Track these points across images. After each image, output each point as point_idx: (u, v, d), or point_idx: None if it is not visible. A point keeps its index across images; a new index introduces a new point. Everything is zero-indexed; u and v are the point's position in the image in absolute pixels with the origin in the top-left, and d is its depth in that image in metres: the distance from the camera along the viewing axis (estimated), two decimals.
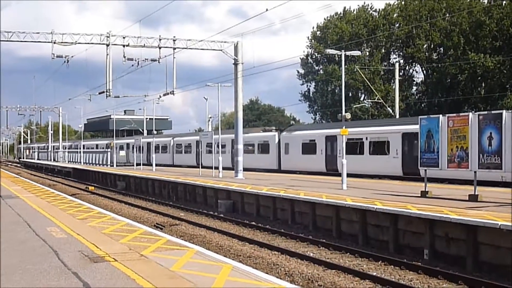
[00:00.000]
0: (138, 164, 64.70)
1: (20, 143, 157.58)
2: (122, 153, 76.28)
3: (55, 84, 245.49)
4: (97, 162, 74.59)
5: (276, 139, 52.53)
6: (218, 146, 48.18)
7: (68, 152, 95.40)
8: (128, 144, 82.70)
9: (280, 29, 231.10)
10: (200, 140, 56.07)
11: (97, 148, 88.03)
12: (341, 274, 16.40)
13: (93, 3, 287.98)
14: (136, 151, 69.70)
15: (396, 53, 78.56)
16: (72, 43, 40.64)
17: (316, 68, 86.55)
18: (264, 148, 54.40)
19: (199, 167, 52.04)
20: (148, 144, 71.87)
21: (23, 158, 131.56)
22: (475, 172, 22.18)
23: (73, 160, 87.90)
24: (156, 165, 60.18)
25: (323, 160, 46.31)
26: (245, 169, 42.53)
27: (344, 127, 30.76)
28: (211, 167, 46.67)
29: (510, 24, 62.37)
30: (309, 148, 48.20)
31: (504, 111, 21.09)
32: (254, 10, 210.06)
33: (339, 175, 32.08)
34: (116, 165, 69.50)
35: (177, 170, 56.50)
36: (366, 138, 42.17)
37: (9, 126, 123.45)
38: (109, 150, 73.67)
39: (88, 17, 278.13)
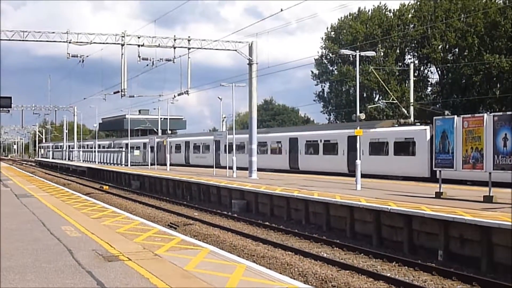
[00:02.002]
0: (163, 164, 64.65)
1: (35, 142, 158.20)
2: (137, 152, 76.38)
3: (71, 83, 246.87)
4: (111, 162, 74.76)
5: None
6: (232, 146, 48.23)
7: (83, 151, 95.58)
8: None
9: (296, 29, 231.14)
10: (219, 140, 55.87)
11: (130, 148, 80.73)
12: (355, 275, 16.38)
13: (109, 2, 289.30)
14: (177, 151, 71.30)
15: (411, 53, 78.27)
16: (87, 42, 40.77)
17: (331, 68, 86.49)
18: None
19: (221, 168, 51.76)
20: (187, 143, 71.05)
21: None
22: (489, 173, 22.07)
23: (88, 160, 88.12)
24: (175, 165, 60.08)
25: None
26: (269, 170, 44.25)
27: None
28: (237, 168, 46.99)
29: None
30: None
31: None
32: (270, 10, 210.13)
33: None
34: (131, 165, 69.69)
35: (192, 170, 56.51)
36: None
37: (24, 125, 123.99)
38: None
39: (104, 16, 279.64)
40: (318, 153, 47.33)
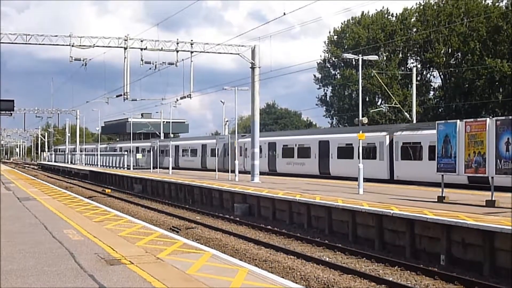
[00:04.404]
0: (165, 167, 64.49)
1: (38, 145, 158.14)
2: (139, 156, 76.39)
3: (73, 87, 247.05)
4: (113, 165, 74.80)
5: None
6: (235, 150, 48.37)
7: (86, 154, 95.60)
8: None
9: (300, 33, 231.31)
10: (226, 143, 55.72)
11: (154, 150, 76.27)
12: (357, 279, 16.37)
13: (113, 5, 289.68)
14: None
15: (414, 57, 78.27)
16: (90, 46, 40.84)
17: (333, 72, 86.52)
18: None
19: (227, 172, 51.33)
20: (204, 146, 67.83)
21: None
22: (492, 177, 22.05)
23: (90, 163, 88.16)
24: (185, 169, 59.65)
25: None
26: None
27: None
28: (247, 172, 47.07)
29: None
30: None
31: None
32: (273, 13, 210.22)
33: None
34: (133, 168, 69.75)
35: (195, 173, 56.52)
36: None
37: (26, 128, 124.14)
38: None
39: (108, 19, 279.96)
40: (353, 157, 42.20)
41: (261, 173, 47.49)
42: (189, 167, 68.25)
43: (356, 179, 32.36)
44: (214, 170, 48.70)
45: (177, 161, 71.60)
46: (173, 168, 62.31)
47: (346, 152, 44.08)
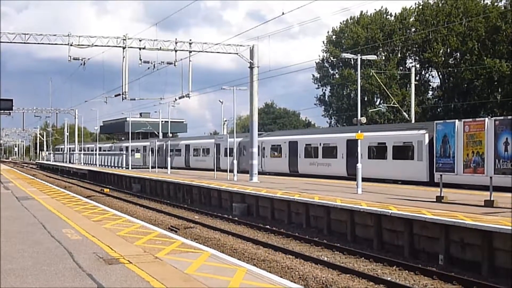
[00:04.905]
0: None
1: (36, 144, 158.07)
2: (138, 155, 76.29)
3: (72, 86, 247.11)
4: (112, 164, 74.74)
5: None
6: (233, 149, 48.25)
7: (84, 154, 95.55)
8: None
9: (299, 33, 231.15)
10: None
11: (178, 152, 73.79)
12: (355, 279, 16.37)
13: (112, 5, 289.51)
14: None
15: (412, 57, 78.34)
16: (88, 45, 40.84)
17: (332, 72, 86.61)
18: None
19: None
20: (218, 145, 61.30)
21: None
22: (490, 177, 22.04)
23: (89, 162, 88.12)
24: (196, 169, 58.72)
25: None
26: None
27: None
28: (266, 173, 46.63)
29: None
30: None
31: None
32: (272, 13, 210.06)
33: None
34: (132, 167, 69.70)
35: (193, 173, 56.51)
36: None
37: (25, 127, 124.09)
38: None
39: (107, 19, 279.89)
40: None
41: (281, 174, 48.21)
42: (201, 167, 64.60)
43: (389, 181, 31.74)
44: (228, 171, 45.76)
45: (188, 161, 69.94)
46: (183, 169, 61.89)
47: (378, 151, 41.38)
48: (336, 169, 45.01)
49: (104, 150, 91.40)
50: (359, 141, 31.58)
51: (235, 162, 44.81)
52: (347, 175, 42.67)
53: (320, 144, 47.63)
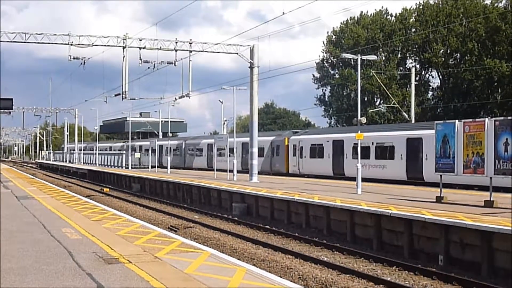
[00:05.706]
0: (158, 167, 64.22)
1: (36, 144, 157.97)
2: (137, 155, 76.28)
3: (72, 86, 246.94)
4: (112, 164, 74.75)
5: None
6: (232, 149, 48.12)
7: (84, 153, 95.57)
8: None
9: (299, 33, 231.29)
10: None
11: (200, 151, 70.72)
12: (355, 279, 16.36)
13: (112, 4, 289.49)
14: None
15: (412, 58, 78.36)
16: (88, 45, 40.83)
17: (332, 72, 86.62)
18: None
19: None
20: (245, 144, 55.48)
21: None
22: (490, 178, 22.03)
23: (88, 162, 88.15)
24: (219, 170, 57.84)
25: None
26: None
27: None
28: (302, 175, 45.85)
29: None
30: None
31: None
32: (272, 13, 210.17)
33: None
34: (131, 167, 69.70)
35: (192, 173, 56.49)
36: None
37: (25, 127, 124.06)
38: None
39: (107, 18, 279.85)
40: None
41: (324, 177, 44.20)
42: (225, 168, 54.24)
43: (461, 186, 29.91)
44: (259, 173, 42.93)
45: (210, 162, 62.71)
46: (205, 170, 60.70)
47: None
48: (392, 172, 40.36)
49: (115, 150, 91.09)
50: (359, 141, 31.58)
51: (235, 162, 44.72)
52: (407, 178, 38.88)
53: (372, 143, 42.15)
